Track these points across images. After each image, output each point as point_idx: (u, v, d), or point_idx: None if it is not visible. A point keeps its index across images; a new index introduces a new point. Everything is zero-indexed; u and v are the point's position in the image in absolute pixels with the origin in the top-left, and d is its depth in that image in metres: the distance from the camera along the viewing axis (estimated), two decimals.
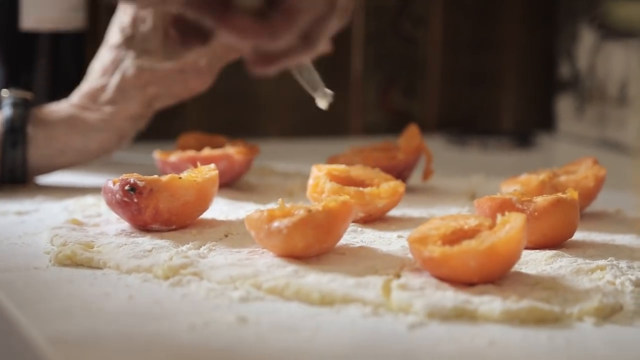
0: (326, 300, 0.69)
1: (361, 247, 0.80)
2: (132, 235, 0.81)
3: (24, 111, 0.97)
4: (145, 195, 0.80)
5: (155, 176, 0.82)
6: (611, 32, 1.37)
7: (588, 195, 0.90)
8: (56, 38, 1.15)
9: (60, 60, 1.16)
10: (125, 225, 0.84)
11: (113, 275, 0.75)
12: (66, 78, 1.08)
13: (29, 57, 1.14)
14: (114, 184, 0.81)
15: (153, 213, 0.81)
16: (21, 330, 0.65)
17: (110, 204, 0.82)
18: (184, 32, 0.67)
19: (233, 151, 0.98)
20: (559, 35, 1.47)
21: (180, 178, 0.82)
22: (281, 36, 0.66)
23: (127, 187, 0.80)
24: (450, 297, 0.69)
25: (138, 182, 0.80)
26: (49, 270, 0.76)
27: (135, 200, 0.80)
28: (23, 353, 0.66)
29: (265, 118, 1.40)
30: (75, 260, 0.77)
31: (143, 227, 0.82)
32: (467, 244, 0.71)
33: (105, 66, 1.00)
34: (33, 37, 1.14)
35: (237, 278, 0.72)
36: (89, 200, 0.93)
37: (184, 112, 1.36)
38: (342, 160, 0.98)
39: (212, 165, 0.86)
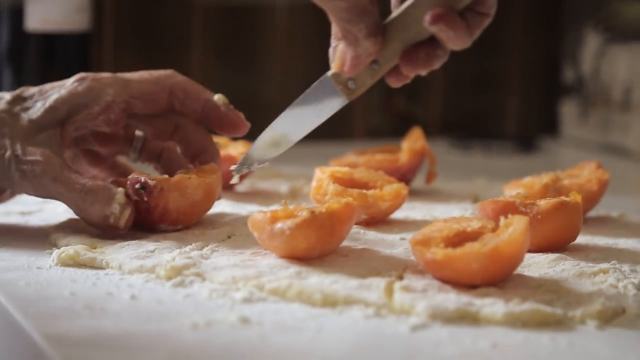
0: (329, 302, 0.69)
1: (364, 249, 0.80)
2: (135, 235, 0.81)
3: None
4: (156, 195, 0.80)
5: (165, 176, 0.82)
6: (617, 34, 1.37)
7: (591, 199, 0.90)
8: (61, 39, 1.15)
9: (65, 61, 1.16)
10: None
11: (116, 275, 0.75)
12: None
13: (34, 58, 1.15)
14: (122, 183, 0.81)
15: (162, 212, 0.81)
16: (24, 329, 0.65)
17: None
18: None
19: (236, 153, 0.98)
20: (563, 39, 1.47)
21: (189, 178, 0.82)
22: (473, 37, 0.74)
23: (137, 186, 0.80)
24: (452, 299, 0.69)
25: (149, 180, 0.80)
26: (51, 270, 0.76)
27: (146, 199, 0.80)
28: (25, 352, 0.66)
29: (268, 120, 1.40)
30: (78, 261, 0.77)
31: (150, 226, 0.82)
32: (470, 247, 0.70)
33: None
34: (38, 38, 1.14)
35: (240, 279, 0.72)
36: None
37: None
38: (345, 162, 0.98)
39: (213, 164, 0.86)
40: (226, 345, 0.63)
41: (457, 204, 0.98)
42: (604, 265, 0.76)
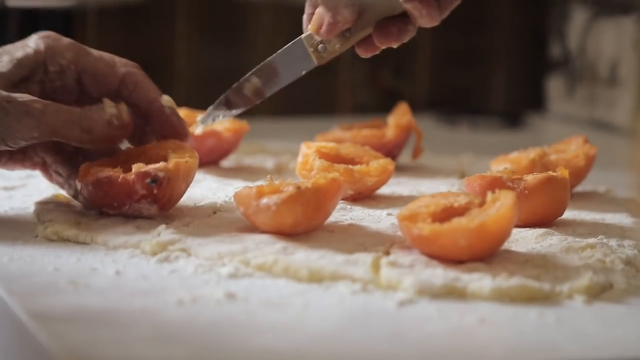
0: (315, 277, 0.69)
1: (350, 225, 0.79)
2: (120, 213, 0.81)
3: None
4: (165, 185, 0.77)
5: (162, 163, 0.78)
6: (604, 9, 1.37)
7: (578, 174, 0.89)
8: (43, 14, 1.14)
9: None
10: None
11: (100, 250, 0.74)
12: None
13: (16, 34, 1.14)
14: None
15: (167, 202, 0.78)
16: (7, 305, 0.65)
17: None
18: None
19: (222, 128, 0.98)
20: (549, 14, 1.47)
21: (187, 161, 0.79)
22: (443, 16, 0.80)
23: (148, 180, 0.76)
24: (440, 274, 0.68)
25: (159, 173, 0.77)
26: (35, 246, 0.75)
27: (155, 191, 0.77)
28: (8, 328, 0.65)
29: None
30: (62, 236, 0.76)
31: (147, 216, 0.79)
32: (457, 222, 0.70)
33: None
34: (19, 14, 1.13)
35: (226, 254, 0.72)
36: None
37: (171, 88, 1.35)
38: (331, 137, 0.97)
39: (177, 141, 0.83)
40: (212, 321, 0.63)
41: (444, 179, 0.97)
42: (592, 240, 0.76)
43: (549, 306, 0.66)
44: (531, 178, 0.80)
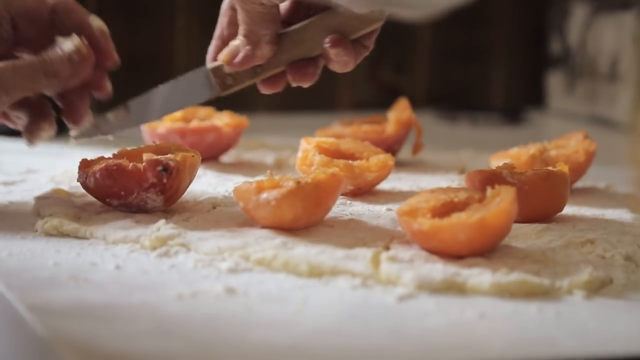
0: (315, 272, 0.69)
1: (350, 220, 0.79)
2: (119, 208, 0.81)
3: None
4: (174, 175, 0.78)
5: (170, 155, 0.79)
6: (604, 5, 1.36)
7: (578, 170, 0.89)
8: None
9: None
10: None
11: (100, 245, 0.74)
12: None
13: None
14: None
15: (173, 193, 0.78)
16: (7, 300, 0.65)
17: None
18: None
19: (221, 123, 0.98)
20: (550, 10, 1.47)
21: (193, 156, 0.79)
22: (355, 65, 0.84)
23: (159, 168, 0.77)
24: (439, 269, 0.68)
25: (170, 162, 0.77)
26: (35, 240, 0.75)
27: (165, 180, 0.77)
28: (9, 323, 0.65)
29: (254, 92, 1.39)
30: (62, 231, 0.76)
31: (150, 210, 0.79)
32: (457, 217, 0.70)
33: None
34: None
35: (226, 249, 0.72)
36: (76, 170, 0.92)
37: None
38: (331, 133, 0.97)
39: (175, 143, 0.83)
40: (211, 316, 0.63)
41: (444, 175, 0.97)
42: (591, 236, 0.76)
43: (549, 301, 0.66)
44: (531, 173, 0.80)
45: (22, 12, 0.83)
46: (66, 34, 0.83)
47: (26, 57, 0.80)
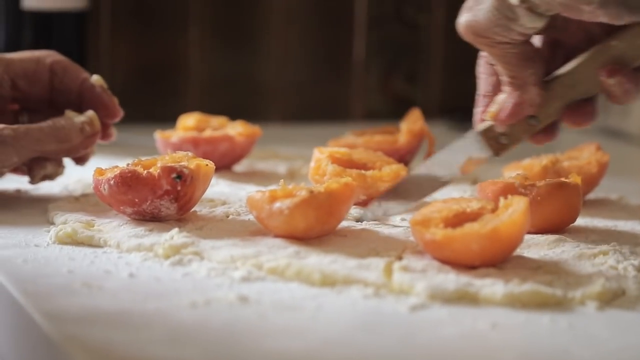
0: (327, 281, 0.69)
1: (363, 230, 0.79)
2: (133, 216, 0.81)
3: None
4: (188, 183, 0.78)
5: (184, 163, 0.79)
6: None
7: (591, 181, 0.89)
8: (57, 18, 1.14)
9: (62, 40, 1.15)
10: None
11: (114, 253, 0.75)
12: (68, 58, 1.08)
13: (31, 37, 1.14)
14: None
15: (187, 201, 0.79)
16: (21, 307, 0.65)
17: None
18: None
19: (234, 133, 0.98)
20: None
21: (207, 165, 0.80)
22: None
23: (174, 175, 0.77)
24: (452, 279, 0.68)
25: (184, 169, 0.77)
26: (49, 248, 0.76)
27: (179, 188, 0.77)
28: (23, 330, 0.65)
29: (266, 102, 1.40)
30: (76, 239, 0.77)
31: (163, 218, 0.79)
32: (470, 227, 0.70)
33: None
34: (34, 17, 1.14)
35: (239, 258, 0.72)
36: (90, 179, 0.92)
37: (184, 94, 1.36)
38: (344, 143, 0.98)
39: (189, 153, 0.83)
40: (224, 324, 0.63)
41: (457, 185, 0.97)
42: (604, 247, 0.76)
43: (561, 312, 0.66)
44: (543, 184, 0.80)
45: (21, 73, 0.87)
46: (67, 92, 0.87)
47: (40, 123, 0.83)
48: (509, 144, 0.77)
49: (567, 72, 0.75)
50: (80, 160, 0.89)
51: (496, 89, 0.77)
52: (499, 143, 0.77)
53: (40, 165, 0.86)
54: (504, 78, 0.75)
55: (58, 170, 0.87)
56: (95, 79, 0.88)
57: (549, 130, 0.78)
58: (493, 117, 0.76)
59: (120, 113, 0.88)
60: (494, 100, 0.77)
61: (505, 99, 0.76)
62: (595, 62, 0.74)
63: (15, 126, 0.82)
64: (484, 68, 0.79)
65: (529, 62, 0.74)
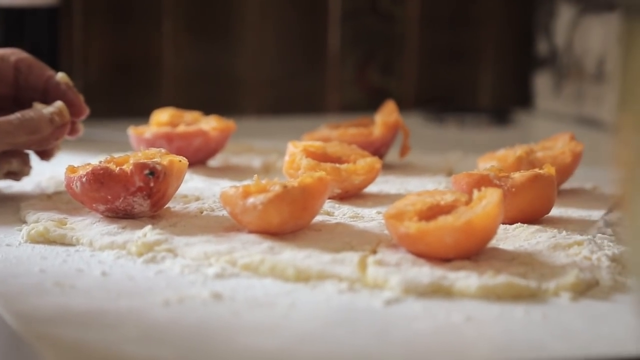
0: (302, 277, 0.69)
1: (337, 224, 0.79)
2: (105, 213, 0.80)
3: None
4: (161, 180, 0.77)
5: (157, 159, 0.78)
6: (590, 6, 1.37)
7: (565, 171, 0.89)
8: (29, 13, 1.13)
9: (34, 36, 1.14)
10: None
11: (86, 252, 0.74)
12: (39, 54, 1.08)
13: (2, 33, 1.13)
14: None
15: (160, 198, 0.78)
16: None
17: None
18: None
19: (209, 127, 0.97)
20: (536, 11, 1.47)
21: (180, 161, 0.79)
22: None
23: (146, 172, 0.76)
24: (426, 272, 0.68)
25: (157, 165, 0.77)
26: (21, 247, 0.75)
27: (152, 184, 0.77)
28: None
29: (241, 95, 1.39)
30: (48, 237, 0.76)
31: (136, 215, 0.78)
32: (444, 220, 0.70)
33: None
34: (6, 12, 1.13)
35: (212, 254, 0.72)
36: (62, 176, 0.91)
37: (157, 88, 1.35)
38: (318, 136, 0.97)
39: (162, 150, 0.83)
40: (198, 321, 0.62)
41: (431, 177, 0.97)
42: (579, 237, 0.76)
43: (535, 304, 0.66)
44: (518, 175, 0.80)
45: None
46: (31, 90, 0.87)
47: (9, 116, 0.83)
48: None
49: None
50: (45, 154, 0.88)
51: None
52: None
53: (4, 160, 0.85)
54: None
55: (24, 169, 0.87)
56: (60, 76, 0.88)
57: None
58: None
59: (87, 111, 0.88)
60: None
61: None
62: None
63: None
64: None
65: None
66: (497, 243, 0.75)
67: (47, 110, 0.84)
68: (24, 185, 0.90)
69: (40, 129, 0.83)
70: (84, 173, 0.77)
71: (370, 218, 0.81)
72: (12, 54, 0.88)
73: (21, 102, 0.88)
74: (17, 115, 0.83)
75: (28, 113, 0.83)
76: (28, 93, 0.88)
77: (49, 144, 0.85)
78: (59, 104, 0.84)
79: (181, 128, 0.97)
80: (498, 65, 1.48)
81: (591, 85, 1.37)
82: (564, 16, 1.42)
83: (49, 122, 0.83)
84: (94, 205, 0.78)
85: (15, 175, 0.87)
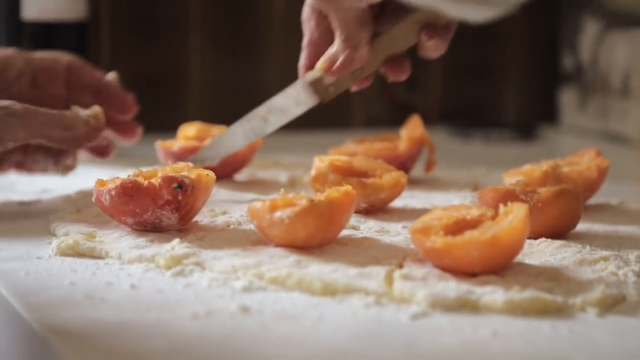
0: (328, 290, 0.69)
1: (364, 238, 0.79)
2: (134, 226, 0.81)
3: None
4: (189, 193, 0.78)
5: (185, 173, 0.79)
6: (615, 21, 1.37)
7: (591, 187, 0.90)
8: (58, 28, 1.15)
9: (62, 51, 1.15)
10: None
11: (115, 265, 0.75)
12: None
13: (30, 48, 1.14)
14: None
15: (188, 211, 0.79)
16: (24, 319, 0.65)
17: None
18: None
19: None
20: (562, 26, 1.47)
21: (207, 175, 0.80)
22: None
23: (175, 185, 0.77)
24: (452, 287, 0.68)
25: (185, 179, 0.78)
26: (51, 260, 0.76)
27: (180, 198, 0.78)
28: (25, 342, 0.66)
29: None
30: (78, 250, 0.77)
31: (165, 228, 0.79)
32: (470, 234, 0.70)
33: None
34: (34, 27, 1.14)
35: (240, 268, 0.72)
36: (91, 190, 0.92)
37: (184, 103, 1.36)
38: (344, 151, 0.98)
39: (190, 163, 0.83)
40: (226, 334, 0.63)
41: (457, 192, 0.97)
42: (605, 253, 0.76)
43: (562, 319, 0.66)
44: (544, 190, 0.80)
45: (40, 67, 0.90)
46: (84, 89, 0.91)
47: (49, 109, 0.86)
48: (335, 91, 0.85)
49: (391, 30, 0.83)
50: (102, 153, 0.92)
51: (321, 38, 0.84)
52: (326, 92, 0.84)
53: (65, 156, 0.89)
54: (339, 36, 0.82)
55: (74, 164, 0.91)
56: (112, 75, 0.92)
57: (368, 78, 0.86)
58: (324, 68, 0.83)
59: (136, 108, 0.91)
60: (326, 52, 0.83)
61: (335, 53, 0.83)
62: (414, 22, 0.82)
63: (24, 105, 0.84)
64: (312, 16, 0.85)
65: (366, 24, 0.82)
66: (522, 258, 0.75)
67: (84, 112, 0.86)
68: (54, 198, 0.91)
69: (74, 127, 0.85)
70: (113, 186, 0.78)
71: (396, 232, 0.82)
72: (64, 56, 0.92)
73: (73, 103, 0.91)
74: (56, 110, 0.85)
75: (66, 111, 0.86)
76: (80, 93, 0.91)
77: (81, 144, 0.87)
78: (96, 108, 0.87)
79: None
80: (523, 80, 1.49)
81: (617, 101, 1.37)
82: (589, 31, 1.42)
83: (84, 123, 0.86)
84: (122, 218, 0.79)
85: (68, 170, 0.91)
